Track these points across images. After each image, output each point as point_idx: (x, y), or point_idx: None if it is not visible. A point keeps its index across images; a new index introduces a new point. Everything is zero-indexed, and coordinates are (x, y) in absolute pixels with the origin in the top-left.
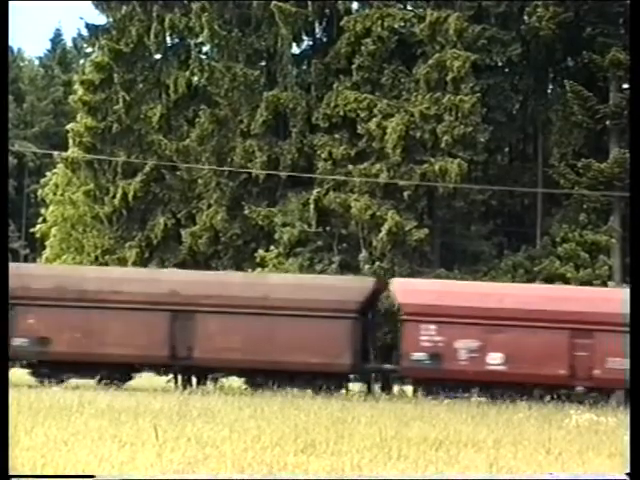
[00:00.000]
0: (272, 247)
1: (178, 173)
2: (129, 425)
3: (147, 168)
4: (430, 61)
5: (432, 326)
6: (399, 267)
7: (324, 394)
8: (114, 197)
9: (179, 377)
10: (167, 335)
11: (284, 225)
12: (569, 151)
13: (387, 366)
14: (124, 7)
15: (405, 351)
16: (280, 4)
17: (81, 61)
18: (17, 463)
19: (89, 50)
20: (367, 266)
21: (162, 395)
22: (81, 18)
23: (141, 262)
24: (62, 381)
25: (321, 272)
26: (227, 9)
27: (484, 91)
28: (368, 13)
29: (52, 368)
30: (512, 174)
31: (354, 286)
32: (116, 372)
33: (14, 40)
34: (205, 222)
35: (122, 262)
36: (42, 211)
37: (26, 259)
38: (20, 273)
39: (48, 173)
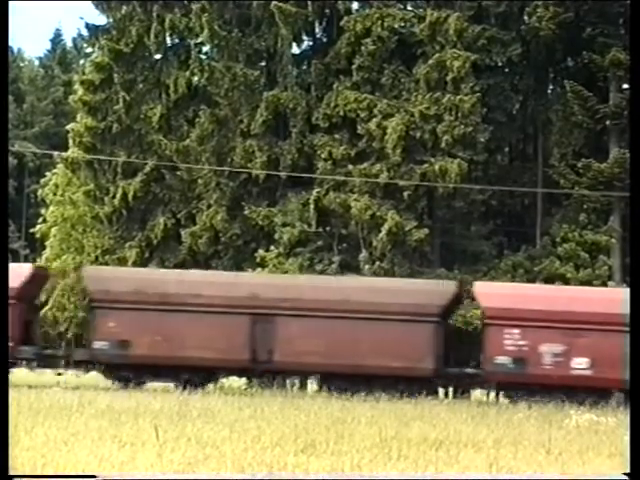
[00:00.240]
0: (272, 247)
1: (178, 173)
2: (129, 425)
3: (147, 168)
4: (430, 61)
5: (516, 330)
6: (399, 267)
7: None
8: (114, 197)
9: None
10: (248, 338)
11: (284, 225)
12: (569, 151)
13: (469, 370)
14: (124, 7)
15: (488, 355)
16: (280, 4)
17: (81, 61)
18: (17, 463)
19: (89, 50)
20: (367, 266)
21: (162, 395)
22: (81, 18)
23: (141, 262)
24: (142, 384)
25: (321, 272)
26: (227, 9)
27: (484, 91)
28: (368, 13)
29: (132, 371)
30: (512, 174)
31: (436, 290)
32: (196, 375)
33: (14, 40)
34: (205, 222)
35: (122, 262)
36: (42, 211)
37: (26, 259)
38: (99, 276)
39: (48, 173)
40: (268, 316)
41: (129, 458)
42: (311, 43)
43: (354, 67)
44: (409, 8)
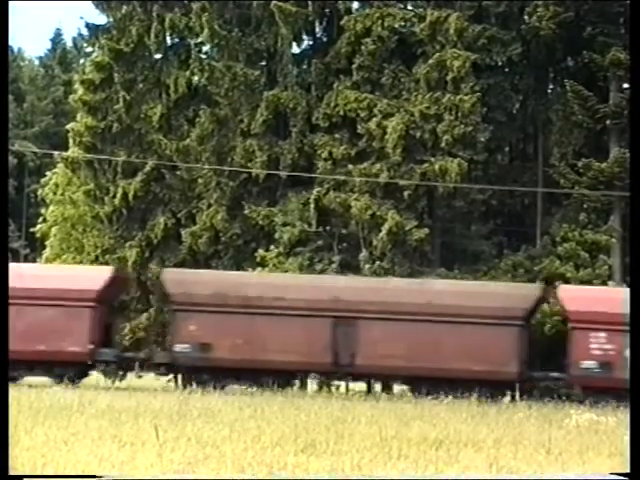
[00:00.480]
0: (272, 247)
1: (178, 173)
2: (129, 425)
3: (147, 168)
4: (430, 61)
5: (602, 334)
6: (399, 267)
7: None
8: (114, 197)
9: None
10: (330, 342)
11: (284, 225)
12: (569, 151)
13: (554, 374)
14: (124, 7)
15: (574, 359)
16: (280, 4)
17: (81, 61)
18: (17, 463)
19: (89, 50)
20: (367, 266)
21: (162, 395)
22: (81, 18)
23: (141, 262)
24: (223, 387)
25: (321, 272)
26: (227, 9)
27: (484, 91)
28: (368, 13)
29: (213, 374)
30: (512, 174)
31: (520, 293)
32: (277, 379)
33: (14, 40)
34: (205, 222)
35: (122, 262)
36: (42, 211)
37: (26, 259)
38: (180, 279)
39: (48, 173)
40: (350, 319)
41: (129, 458)
42: (311, 43)
43: (354, 67)
44: (409, 8)
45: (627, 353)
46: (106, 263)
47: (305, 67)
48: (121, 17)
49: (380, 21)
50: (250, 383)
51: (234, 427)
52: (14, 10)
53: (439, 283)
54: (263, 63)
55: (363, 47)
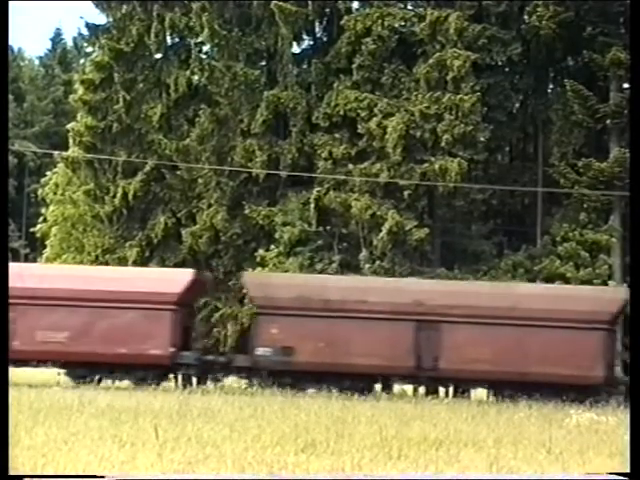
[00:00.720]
0: (272, 246)
1: (178, 172)
2: (129, 425)
3: (147, 167)
4: (430, 60)
5: None
6: (399, 266)
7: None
8: (114, 196)
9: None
10: (413, 346)
11: (284, 224)
12: (569, 150)
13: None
14: (124, 6)
15: None
16: (280, 3)
17: (81, 60)
18: (17, 463)
19: (89, 49)
20: (367, 265)
21: (162, 395)
22: (81, 17)
23: (141, 261)
24: (303, 390)
25: (321, 271)
26: (227, 9)
27: (484, 90)
28: (368, 12)
29: (294, 378)
30: (512, 173)
31: (607, 297)
32: (360, 382)
33: (14, 40)
34: (205, 221)
35: (122, 261)
36: (42, 211)
37: (26, 259)
38: (261, 282)
39: (48, 173)
40: (433, 323)
41: (129, 458)
42: (311, 42)
43: (354, 66)
44: (409, 7)
45: None
46: (106, 263)
47: (305, 67)
48: (121, 17)
49: (380, 21)
50: (332, 386)
51: (234, 427)
52: (14, 10)
53: (523, 286)
54: (263, 63)
55: (363, 47)
